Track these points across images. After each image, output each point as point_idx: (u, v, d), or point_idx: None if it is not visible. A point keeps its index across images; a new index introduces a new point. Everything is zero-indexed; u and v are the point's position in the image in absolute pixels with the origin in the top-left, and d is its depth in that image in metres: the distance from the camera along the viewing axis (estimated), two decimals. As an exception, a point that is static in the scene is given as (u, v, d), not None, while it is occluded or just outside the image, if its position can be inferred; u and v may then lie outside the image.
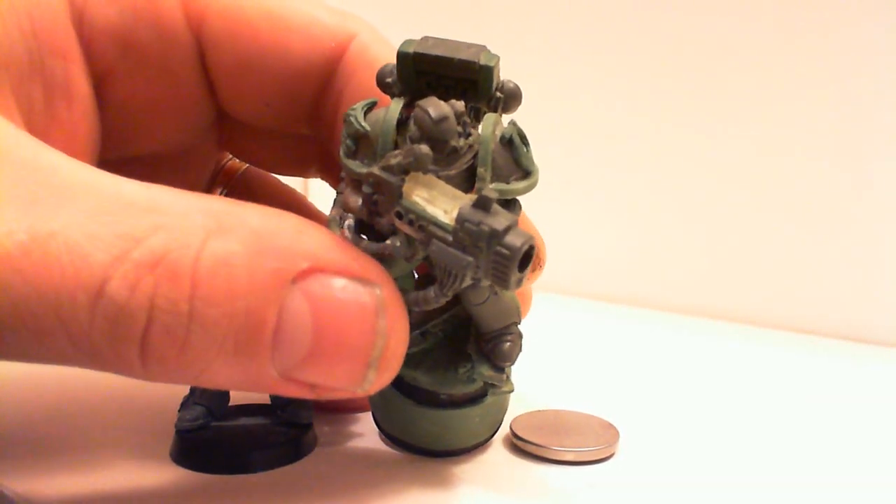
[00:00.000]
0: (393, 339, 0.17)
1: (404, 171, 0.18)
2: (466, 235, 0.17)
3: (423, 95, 0.20)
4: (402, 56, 0.20)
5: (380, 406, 0.23)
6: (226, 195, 0.28)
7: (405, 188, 0.18)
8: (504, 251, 0.17)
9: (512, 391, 0.22)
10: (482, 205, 0.17)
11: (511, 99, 0.20)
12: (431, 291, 0.19)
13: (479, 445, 0.24)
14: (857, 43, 0.40)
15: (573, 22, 0.48)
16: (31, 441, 0.23)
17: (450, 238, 0.18)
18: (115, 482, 0.21)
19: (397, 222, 0.18)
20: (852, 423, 0.28)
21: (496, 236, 0.17)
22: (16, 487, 0.20)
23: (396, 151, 0.19)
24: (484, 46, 0.20)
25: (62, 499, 0.20)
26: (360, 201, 0.19)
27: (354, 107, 0.20)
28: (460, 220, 0.17)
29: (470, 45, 0.20)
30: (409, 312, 0.19)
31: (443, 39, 0.20)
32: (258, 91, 0.23)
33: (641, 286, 0.47)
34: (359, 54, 0.23)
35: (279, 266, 0.16)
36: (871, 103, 0.40)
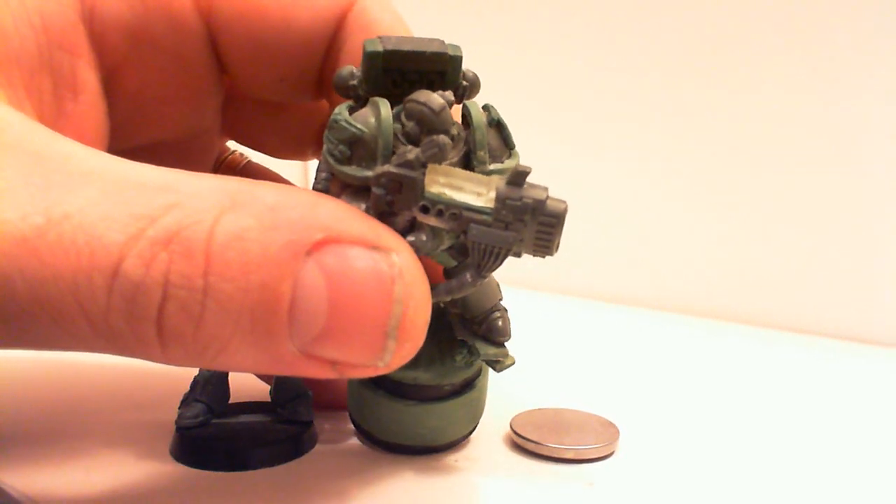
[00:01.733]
0: (411, 306, 0.17)
1: (423, 164, 0.18)
2: (510, 212, 0.18)
3: (391, 93, 0.20)
4: (372, 55, 0.20)
5: (376, 416, 0.23)
6: None
7: (427, 180, 0.18)
8: (550, 219, 0.18)
9: (514, 363, 0.23)
10: (516, 180, 0.18)
11: (473, 87, 0.21)
12: (468, 276, 0.19)
13: (473, 430, 0.24)
14: (858, 44, 0.40)
15: (574, 20, 0.48)
16: (32, 438, 0.23)
17: (489, 219, 0.18)
18: (116, 479, 0.21)
19: (421, 216, 0.18)
20: (852, 423, 0.28)
21: (540, 207, 0.18)
22: (17, 485, 0.20)
23: (410, 147, 0.19)
24: (440, 39, 0.20)
25: (63, 496, 0.20)
26: (363, 206, 0.19)
27: (338, 111, 0.20)
28: (501, 198, 0.18)
29: (431, 39, 0.20)
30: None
31: (401, 36, 0.20)
32: (272, 68, 0.23)
33: (641, 286, 0.47)
34: (359, 16, 0.23)
35: (292, 238, 0.16)
36: (871, 104, 0.40)
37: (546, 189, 0.18)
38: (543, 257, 0.19)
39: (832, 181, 0.41)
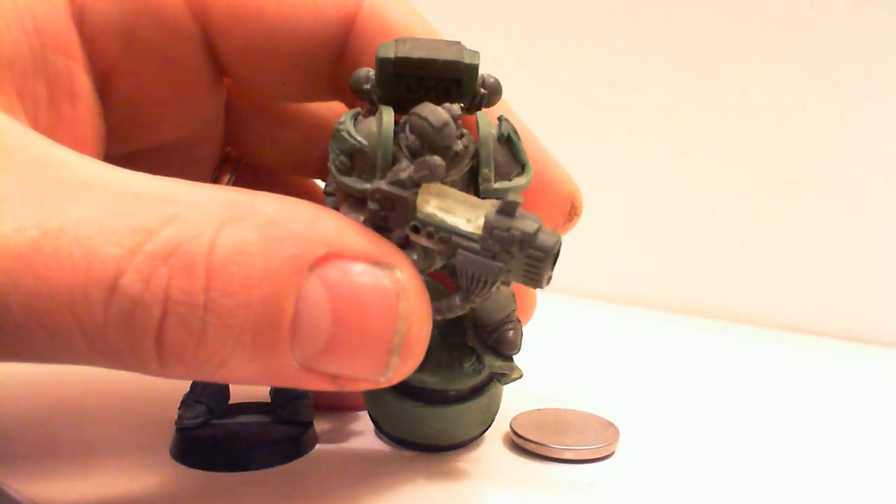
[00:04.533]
0: (415, 322, 0.17)
1: (416, 184, 0.18)
2: (497, 242, 0.17)
3: (404, 99, 0.20)
4: (383, 61, 0.19)
5: (384, 411, 0.23)
6: (233, 184, 0.28)
7: (419, 200, 0.18)
8: (538, 253, 0.17)
9: (521, 376, 0.22)
10: (507, 210, 0.17)
11: (494, 94, 0.20)
12: (457, 299, 0.19)
13: (485, 432, 0.24)
14: (859, 45, 0.40)
15: (582, 22, 0.48)
16: (33, 440, 0.23)
17: (476, 246, 0.17)
18: (116, 480, 0.21)
19: (413, 236, 0.18)
20: (852, 423, 0.28)
21: (528, 240, 0.17)
22: (18, 486, 0.20)
23: (404, 165, 0.18)
24: (459, 43, 0.20)
25: (63, 497, 0.20)
26: (361, 218, 0.19)
27: (342, 120, 0.19)
28: (488, 227, 0.17)
29: (448, 44, 0.20)
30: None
31: (418, 40, 0.20)
32: (273, 71, 0.23)
33: (641, 286, 0.47)
34: (371, 17, 0.22)
35: (295, 253, 0.16)
36: (872, 105, 0.40)
37: (539, 220, 0.17)
38: (534, 289, 0.18)
39: (832, 182, 0.41)
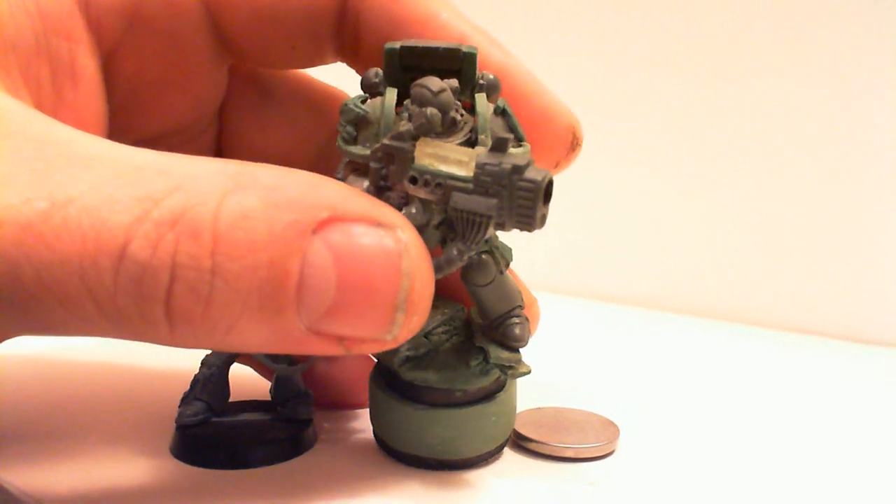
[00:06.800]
0: (418, 279, 0.17)
1: (414, 137, 0.19)
2: (488, 177, 0.18)
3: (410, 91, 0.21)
4: (389, 52, 0.21)
5: (390, 422, 0.22)
6: None
7: (416, 153, 0.19)
8: (528, 184, 0.18)
9: (529, 372, 0.22)
10: (499, 147, 0.18)
11: (493, 89, 0.21)
12: (454, 249, 0.19)
13: (495, 452, 0.23)
14: (860, 44, 0.40)
15: (578, 19, 0.48)
16: (33, 436, 0.23)
17: (470, 186, 0.18)
18: (116, 477, 0.21)
19: (411, 188, 0.19)
20: (851, 422, 0.28)
21: (518, 172, 0.18)
22: (17, 482, 0.20)
23: (404, 122, 0.20)
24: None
25: (64, 494, 0.20)
26: (364, 184, 0.20)
27: (348, 98, 0.21)
28: (480, 164, 0.18)
29: (448, 42, 0.21)
30: None
31: (419, 40, 0.21)
32: (280, 37, 0.23)
33: (642, 286, 0.47)
34: None
35: (298, 217, 0.16)
36: (872, 104, 0.40)
37: (529, 158, 0.18)
38: (530, 231, 0.18)
39: (832, 182, 0.41)
